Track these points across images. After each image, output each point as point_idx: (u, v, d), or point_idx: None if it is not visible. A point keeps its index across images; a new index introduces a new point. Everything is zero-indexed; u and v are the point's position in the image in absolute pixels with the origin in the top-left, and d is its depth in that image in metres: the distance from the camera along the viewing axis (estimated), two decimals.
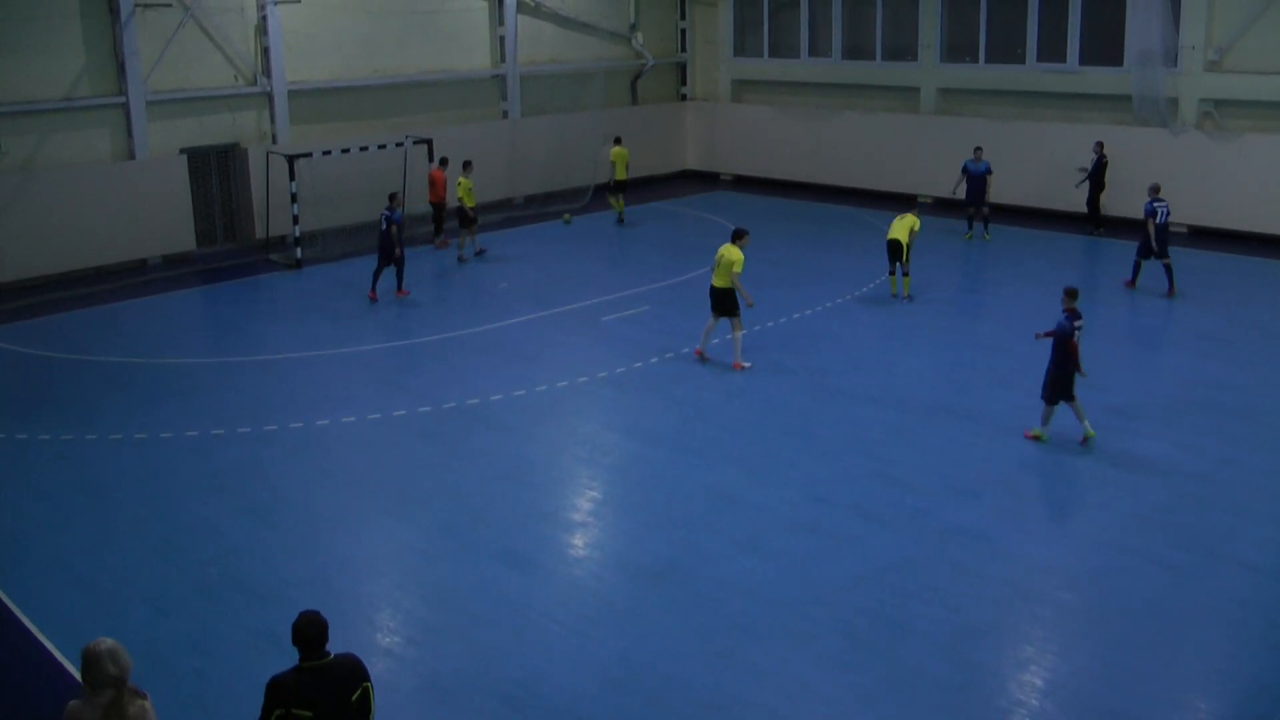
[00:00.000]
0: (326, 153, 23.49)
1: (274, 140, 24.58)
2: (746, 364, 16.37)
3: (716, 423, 14.48)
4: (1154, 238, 19.78)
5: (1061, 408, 13.57)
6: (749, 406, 15.02)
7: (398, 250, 19.91)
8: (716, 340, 17.22)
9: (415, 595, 10.51)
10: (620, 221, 26.67)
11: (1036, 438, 13.68)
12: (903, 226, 19.42)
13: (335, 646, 9.53)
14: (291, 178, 22.61)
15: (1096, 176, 24.26)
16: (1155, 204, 19.93)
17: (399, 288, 20.39)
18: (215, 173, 24.19)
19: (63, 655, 9.58)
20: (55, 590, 10.63)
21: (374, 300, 20.11)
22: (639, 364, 16.59)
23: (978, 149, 24.36)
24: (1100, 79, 25.33)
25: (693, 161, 32.98)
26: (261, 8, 24.04)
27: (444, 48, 27.53)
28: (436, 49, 27.37)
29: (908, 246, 19.34)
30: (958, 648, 9.48)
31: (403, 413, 14.86)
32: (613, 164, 26.73)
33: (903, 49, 28.80)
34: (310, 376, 16.38)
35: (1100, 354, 16.75)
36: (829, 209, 27.89)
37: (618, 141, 27.05)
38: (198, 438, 14.12)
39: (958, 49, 27.87)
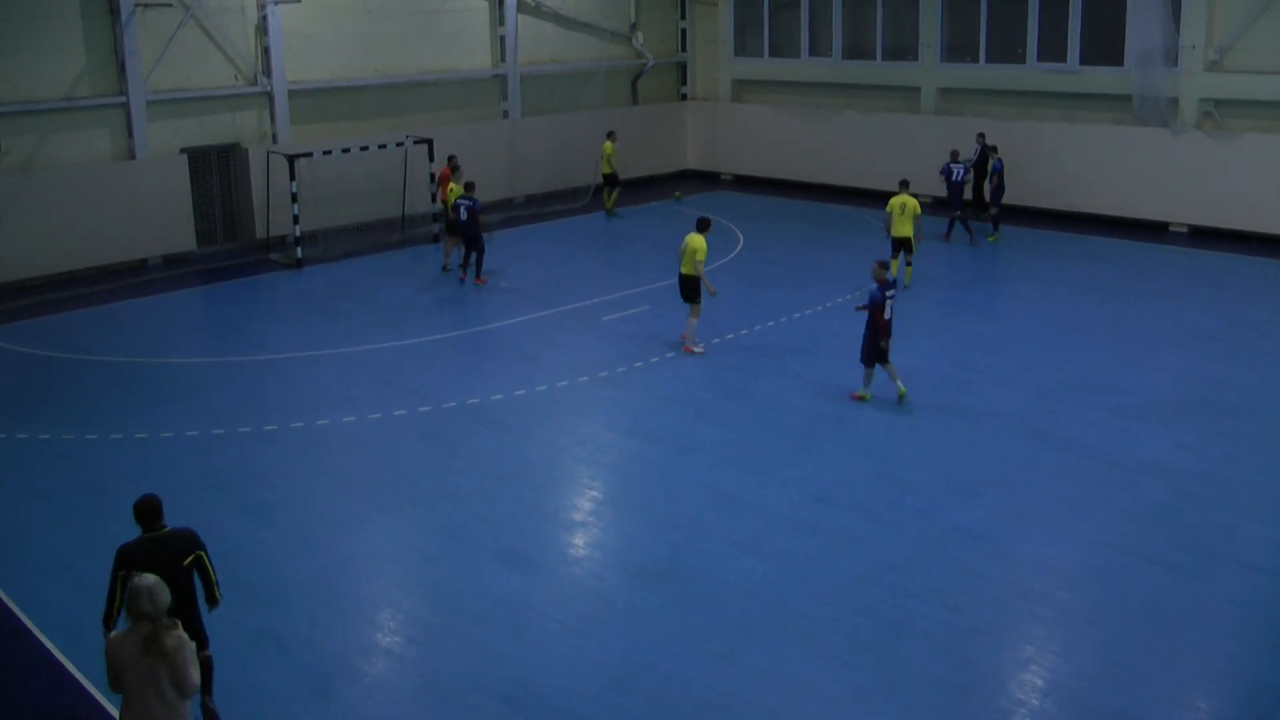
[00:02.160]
0: (327, 152, 23.48)
1: (274, 140, 24.58)
2: (699, 349, 16.83)
3: (717, 422, 14.48)
4: (950, 194, 23.77)
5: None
6: (749, 406, 15.02)
7: (480, 237, 20.95)
8: (717, 340, 17.24)
9: (415, 595, 10.51)
10: (608, 214, 27.03)
11: (861, 398, 14.89)
12: (906, 219, 19.70)
13: (336, 647, 9.59)
14: (292, 177, 22.61)
15: (979, 167, 24.86)
16: (951, 165, 23.77)
17: (477, 274, 21.16)
18: (215, 172, 24.18)
19: (63, 655, 9.59)
20: (55, 590, 10.63)
21: (463, 281, 21.21)
22: (639, 364, 16.59)
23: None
24: (1101, 79, 25.33)
25: (693, 161, 32.97)
26: (262, 7, 24.04)
27: (444, 47, 27.54)
28: (437, 49, 27.37)
29: (914, 236, 19.82)
30: (958, 648, 9.48)
31: (403, 412, 14.86)
32: (600, 158, 27.18)
33: (903, 49, 28.80)
34: (310, 376, 16.38)
35: (1101, 353, 16.78)
36: (829, 209, 27.89)
37: (610, 136, 27.35)
38: (198, 438, 14.12)
39: (958, 49, 27.86)
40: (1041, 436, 13.77)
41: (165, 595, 6.64)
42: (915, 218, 19.77)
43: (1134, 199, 25.05)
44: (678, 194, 28.37)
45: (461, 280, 21.27)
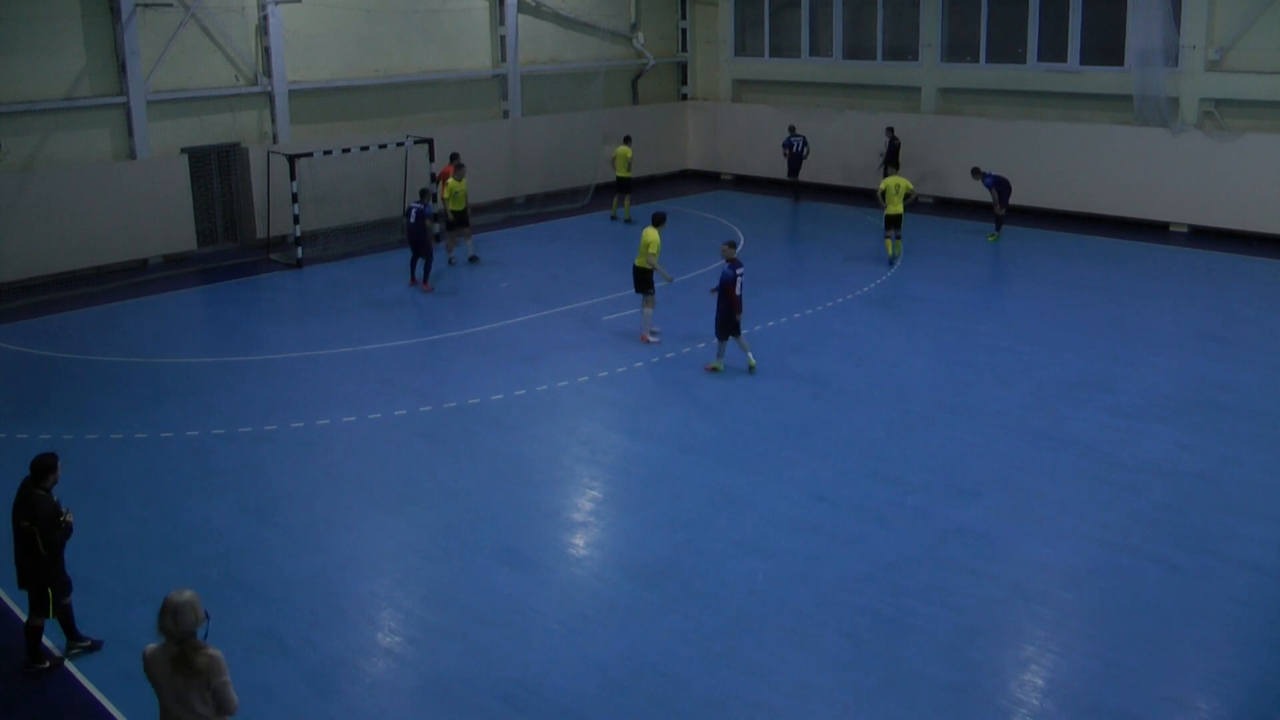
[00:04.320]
0: (327, 152, 23.49)
1: (275, 140, 24.59)
2: (654, 339, 17.45)
3: (717, 422, 14.48)
4: (789, 164, 28.23)
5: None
6: (749, 406, 15.02)
7: (429, 243, 20.69)
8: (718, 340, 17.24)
9: (416, 595, 10.51)
10: (613, 219, 26.82)
11: (714, 369, 16.05)
12: (898, 198, 21.81)
13: (337, 647, 9.59)
14: (292, 177, 22.61)
15: (891, 158, 27.19)
16: (792, 139, 28.23)
17: (425, 280, 20.87)
18: (216, 172, 24.19)
19: (63, 654, 9.59)
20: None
21: (412, 285, 20.93)
22: (639, 364, 16.59)
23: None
24: (1101, 78, 25.34)
25: (693, 161, 32.98)
26: (262, 7, 24.04)
27: (445, 47, 27.54)
28: (437, 49, 27.38)
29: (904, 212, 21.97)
30: (958, 647, 9.48)
31: (403, 412, 14.86)
32: (612, 162, 26.90)
33: (904, 49, 28.80)
34: (311, 376, 16.38)
35: (1101, 353, 16.78)
36: (830, 209, 27.89)
37: (626, 141, 27.26)
38: (198, 438, 14.13)
39: (959, 49, 27.87)
40: (1041, 436, 13.78)
41: (189, 615, 6.49)
42: (906, 196, 21.89)
43: (1134, 199, 25.05)
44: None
45: (410, 284, 20.91)
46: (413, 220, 20.44)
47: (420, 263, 20.90)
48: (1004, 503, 12.11)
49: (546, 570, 10.88)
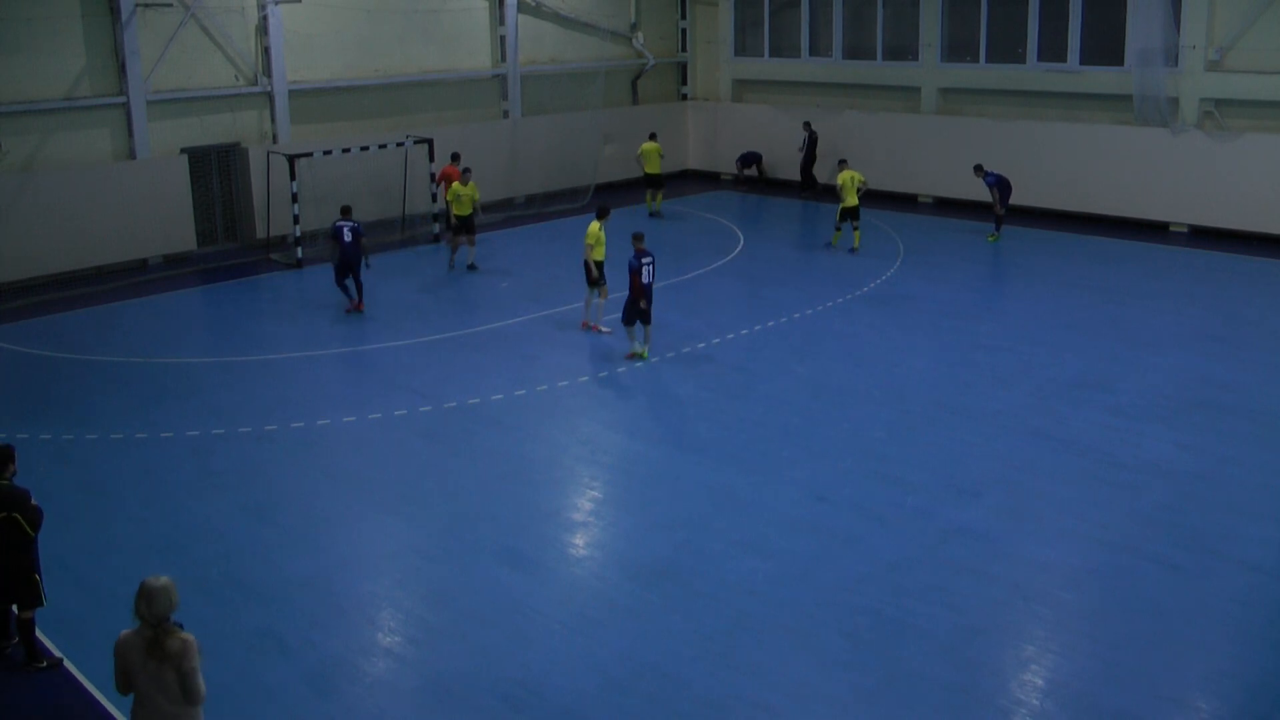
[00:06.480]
0: (327, 152, 23.48)
1: (275, 140, 24.59)
2: (605, 329, 17.91)
3: (717, 422, 14.48)
4: (744, 161, 30.61)
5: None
6: (749, 406, 15.02)
7: (362, 262, 19.20)
8: (718, 340, 17.20)
9: (416, 595, 10.52)
10: (651, 215, 26.94)
11: (635, 355, 16.56)
12: (853, 191, 22.67)
13: (337, 647, 9.59)
14: (292, 177, 22.61)
15: (808, 151, 29.00)
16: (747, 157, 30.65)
17: (359, 300, 19.42)
18: (216, 172, 24.18)
19: (63, 654, 9.59)
20: (55, 590, 10.59)
21: (352, 310, 19.39)
22: (639, 364, 16.59)
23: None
24: (1101, 79, 25.33)
25: (694, 161, 32.97)
26: (262, 7, 24.04)
27: (445, 47, 27.54)
28: (437, 49, 27.38)
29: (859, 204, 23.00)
30: (958, 647, 9.47)
31: (404, 412, 14.86)
32: (639, 158, 27.26)
33: (904, 49, 28.80)
34: (310, 376, 16.38)
35: (1101, 353, 16.78)
36: (830, 209, 27.84)
37: (652, 137, 27.65)
38: (198, 438, 14.12)
39: (959, 49, 27.86)
40: (1041, 436, 13.77)
41: (163, 599, 6.57)
42: (858, 188, 22.82)
43: (1134, 199, 25.04)
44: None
45: (358, 310, 19.28)
46: (348, 240, 18.88)
47: (351, 283, 19.31)
48: (1004, 503, 12.11)
49: (546, 570, 10.89)
